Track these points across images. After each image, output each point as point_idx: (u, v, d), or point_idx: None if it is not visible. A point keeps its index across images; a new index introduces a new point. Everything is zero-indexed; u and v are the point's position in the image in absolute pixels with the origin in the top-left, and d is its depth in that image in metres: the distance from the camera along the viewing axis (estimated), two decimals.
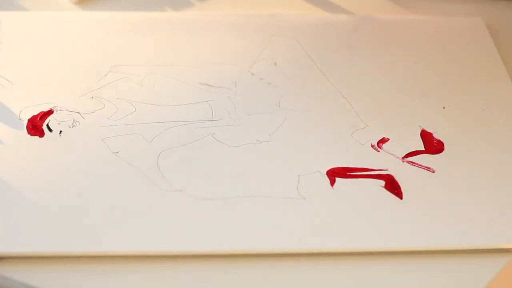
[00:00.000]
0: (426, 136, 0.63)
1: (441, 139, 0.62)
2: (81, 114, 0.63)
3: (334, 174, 0.59)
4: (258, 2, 0.77)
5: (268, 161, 0.60)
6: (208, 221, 0.55)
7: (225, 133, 0.62)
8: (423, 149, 0.62)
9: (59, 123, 0.62)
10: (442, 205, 0.57)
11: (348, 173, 0.59)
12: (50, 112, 0.63)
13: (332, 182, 0.58)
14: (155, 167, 0.59)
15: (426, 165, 0.60)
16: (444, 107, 0.65)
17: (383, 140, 0.62)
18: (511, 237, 0.55)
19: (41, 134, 0.61)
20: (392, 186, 0.58)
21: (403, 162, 0.60)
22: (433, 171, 0.60)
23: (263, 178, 0.59)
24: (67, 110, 0.63)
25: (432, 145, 0.62)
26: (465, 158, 0.61)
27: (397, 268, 0.54)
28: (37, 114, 0.63)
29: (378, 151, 0.61)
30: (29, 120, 0.62)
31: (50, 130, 0.62)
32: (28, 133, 0.61)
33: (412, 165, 0.60)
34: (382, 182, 0.59)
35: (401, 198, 0.58)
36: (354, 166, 0.60)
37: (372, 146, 0.62)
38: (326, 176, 0.59)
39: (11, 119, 0.62)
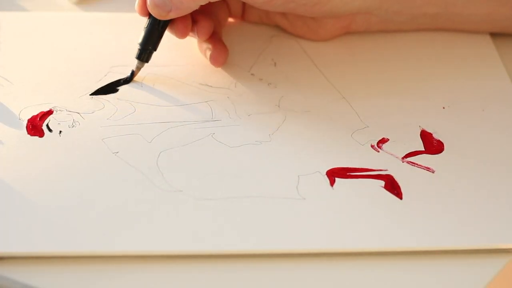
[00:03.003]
0: (426, 136, 0.63)
1: (441, 139, 0.62)
2: (81, 114, 0.63)
3: (334, 174, 0.59)
4: None
5: (268, 161, 0.60)
6: (208, 221, 0.55)
7: (225, 133, 0.62)
8: (423, 149, 0.62)
9: (59, 123, 0.62)
10: (442, 205, 0.57)
11: (348, 173, 0.59)
12: (50, 112, 0.63)
13: (332, 182, 0.58)
14: (155, 167, 0.59)
15: (426, 165, 0.60)
16: (444, 107, 0.66)
17: (383, 140, 0.62)
18: (511, 237, 0.55)
19: (41, 134, 0.61)
20: (392, 186, 0.58)
21: (403, 162, 0.60)
22: (433, 171, 0.60)
23: (263, 178, 0.59)
24: (66, 110, 0.63)
25: (432, 145, 0.62)
26: (465, 158, 0.61)
27: (397, 268, 0.54)
28: (37, 114, 0.63)
29: (378, 151, 0.61)
30: (29, 120, 0.62)
31: (50, 130, 0.62)
32: (28, 133, 0.61)
33: (412, 165, 0.60)
34: (382, 182, 0.59)
35: (401, 198, 0.58)
36: (354, 167, 0.60)
37: (372, 146, 0.62)
38: (325, 176, 0.59)
39: (11, 119, 0.62)
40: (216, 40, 0.68)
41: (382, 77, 0.69)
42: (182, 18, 0.66)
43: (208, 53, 0.68)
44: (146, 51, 0.66)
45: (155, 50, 0.66)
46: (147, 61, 0.66)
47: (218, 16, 0.70)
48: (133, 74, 0.66)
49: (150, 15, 0.65)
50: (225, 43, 0.68)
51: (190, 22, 0.67)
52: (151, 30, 0.66)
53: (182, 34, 0.67)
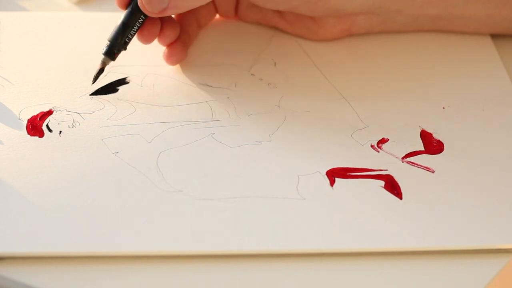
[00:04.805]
0: (426, 136, 0.63)
1: (441, 139, 0.62)
2: (81, 114, 0.63)
3: (334, 174, 0.59)
4: None
5: (268, 162, 0.60)
6: (208, 221, 0.55)
7: (225, 133, 0.62)
8: (423, 149, 0.62)
9: (58, 124, 0.62)
10: (442, 205, 0.57)
11: (348, 174, 0.59)
12: (49, 113, 0.63)
13: (332, 183, 0.58)
14: (155, 167, 0.59)
15: (426, 165, 0.60)
16: (444, 107, 0.66)
17: (383, 141, 0.62)
18: (511, 237, 0.55)
19: (40, 134, 0.61)
20: (392, 186, 0.58)
21: (403, 162, 0.60)
22: (433, 171, 0.60)
23: (263, 178, 0.59)
24: (66, 111, 0.63)
25: (432, 145, 0.62)
26: (465, 158, 0.61)
27: (397, 268, 0.54)
28: (37, 115, 0.63)
29: (378, 152, 0.61)
30: (28, 121, 0.62)
31: (50, 130, 0.62)
32: (28, 133, 0.61)
33: (412, 165, 0.60)
34: (382, 183, 0.59)
35: (401, 198, 0.58)
36: (354, 167, 0.60)
37: (372, 146, 0.62)
38: (325, 176, 0.59)
39: (11, 119, 0.62)
40: (176, 42, 0.66)
41: (382, 77, 0.69)
42: (152, 21, 0.63)
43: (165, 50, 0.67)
44: (116, 48, 0.64)
45: (124, 49, 0.64)
46: (113, 59, 0.64)
47: (198, 17, 0.69)
48: (101, 71, 0.64)
49: (128, 9, 0.63)
50: (186, 48, 0.67)
51: (159, 27, 0.64)
52: (126, 26, 0.63)
53: (147, 40, 0.64)
